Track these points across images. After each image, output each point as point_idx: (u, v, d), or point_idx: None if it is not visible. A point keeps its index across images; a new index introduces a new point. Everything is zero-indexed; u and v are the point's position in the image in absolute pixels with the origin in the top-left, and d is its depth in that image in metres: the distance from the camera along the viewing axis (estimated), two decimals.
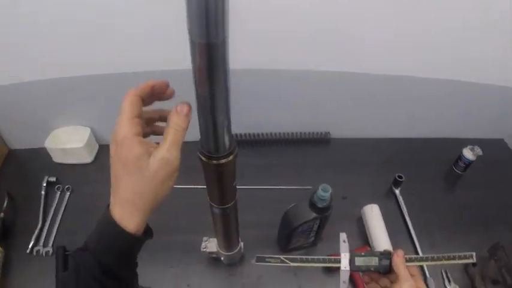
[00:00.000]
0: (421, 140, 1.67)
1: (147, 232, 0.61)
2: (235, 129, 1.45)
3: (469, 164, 1.47)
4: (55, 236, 1.22)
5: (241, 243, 1.09)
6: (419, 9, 1.17)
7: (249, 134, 1.52)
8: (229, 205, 0.83)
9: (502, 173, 1.56)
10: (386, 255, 0.78)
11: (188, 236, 1.14)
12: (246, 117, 1.42)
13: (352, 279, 1.12)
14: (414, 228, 1.29)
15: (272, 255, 0.80)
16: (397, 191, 1.39)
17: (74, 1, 1.05)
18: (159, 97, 0.60)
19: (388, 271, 0.77)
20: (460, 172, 1.51)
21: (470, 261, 0.78)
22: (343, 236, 0.84)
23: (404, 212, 1.33)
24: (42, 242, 1.20)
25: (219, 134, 0.60)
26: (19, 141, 1.51)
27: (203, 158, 0.65)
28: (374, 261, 0.78)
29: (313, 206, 1.01)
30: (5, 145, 1.49)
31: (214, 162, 0.65)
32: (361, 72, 1.33)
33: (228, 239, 1.00)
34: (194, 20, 0.42)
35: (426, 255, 0.79)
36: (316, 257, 0.80)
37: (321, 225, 1.09)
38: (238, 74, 1.24)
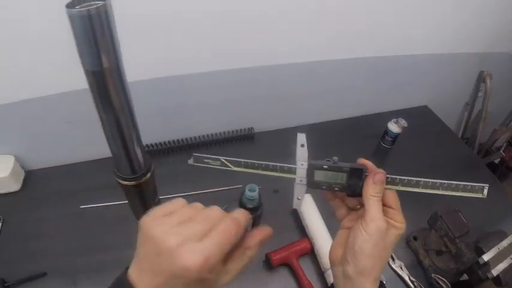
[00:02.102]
0: (346, 121, 1.70)
1: None
2: (159, 138, 1.46)
3: (395, 137, 1.49)
4: None
5: None
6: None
7: (173, 141, 1.51)
8: None
9: (428, 139, 1.62)
10: (359, 172, 0.60)
11: (125, 252, 1.13)
12: (168, 125, 1.43)
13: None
14: None
15: (211, 156, 0.65)
16: None
17: None
18: None
19: (358, 194, 0.60)
20: (388, 146, 1.54)
21: (479, 195, 0.59)
22: (301, 137, 0.63)
23: None
24: None
25: (131, 157, 0.60)
26: None
27: (121, 181, 0.65)
28: (340, 178, 0.61)
29: (243, 207, 1.01)
30: None
31: (133, 183, 0.65)
32: (273, 64, 1.35)
33: None
34: (84, 51, 0.45)
35: (417, 179, 0.61)
36: (263, 163, 0.63)
37: (254, 225, 1.09)
38: (156, 83, 1.24)
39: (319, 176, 0.61)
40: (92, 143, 1.41)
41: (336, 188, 0.61)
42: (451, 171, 1.52)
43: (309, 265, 1.17)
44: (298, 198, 0.63)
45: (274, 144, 1.52)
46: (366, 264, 0.56)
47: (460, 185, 0.59)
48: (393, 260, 1.20)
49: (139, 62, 1.17)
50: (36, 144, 1.40)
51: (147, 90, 1.26)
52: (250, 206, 1.00)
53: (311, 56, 1.38)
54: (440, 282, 1.13)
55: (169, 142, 1.49)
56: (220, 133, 1.54)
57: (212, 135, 1.54)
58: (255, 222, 1.08)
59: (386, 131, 1.50)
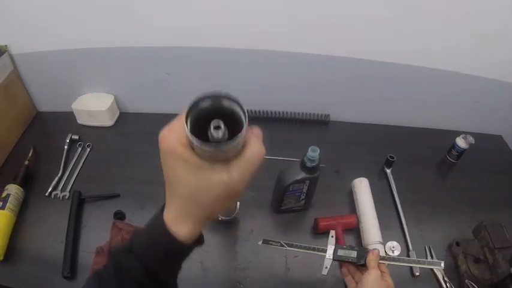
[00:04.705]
0: (420, 129, 1.74)
1: (199, 239, 0.56)
2: (249, 105, 1.59)
3: (461, 152, 1.53)
4: (73, 183, 1.35)
5: (238, 203, 1.18)
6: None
7: (259, 111, 1.66)
8: None
9: (496, 165, 1.61)
10: (364, 250, 0.97)
11: None
12: (257, 95, 1.56)
13: None
14: (401, 204, 1.35)
15: (274, 240, 1.06)
16: (388, 171, 1.46)
17: None
18: None
19: (363, 264, 0.95)
20: (453, 160, 1.57)
21: (438, 267, 0.98)
22: (332, 232, 1.05)
23: (393, 189, 1.40)
24: (60, 187, 1.33)
25: None
26: (47, 104, 1.65)
27: None
28: (353, 254, 0.97)
29: (303, 166, 1.11)
30: (33, 107, 1.64)
31: None
32: (365, 59, 1.43)
33: None
34: None
35: (399, 257, 0.99)
36: (308, 245, 1.03)
37: (310, 188, 1.19)
38: (250, 55, 1.39)
39: (341, 252, 0.99)
40: (182, 95, 1.58)
41: (350, 259, 0.97)
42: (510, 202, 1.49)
43: (352, 239, 1.24)
44: (326, 267, 0.99)
45: (346, 133, 1.65)
46: None
47: (425, 261, 1.08)
48: (432, 257, 1.23)
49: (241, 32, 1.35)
50: (135, 89, 1.59)
51: (242, 60, 1.44)
52: (309, 166, 1.09)
53: (409, 60, 1.44)
54: None
55: (255, 111, 1.66)
56: (298, 113, 1.66)
57: (291, 113, 1.66)
58: (311, 185, 1.17)
59: (454, 145, 1.54)
